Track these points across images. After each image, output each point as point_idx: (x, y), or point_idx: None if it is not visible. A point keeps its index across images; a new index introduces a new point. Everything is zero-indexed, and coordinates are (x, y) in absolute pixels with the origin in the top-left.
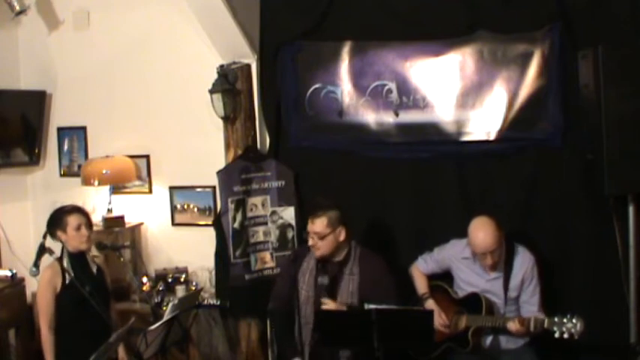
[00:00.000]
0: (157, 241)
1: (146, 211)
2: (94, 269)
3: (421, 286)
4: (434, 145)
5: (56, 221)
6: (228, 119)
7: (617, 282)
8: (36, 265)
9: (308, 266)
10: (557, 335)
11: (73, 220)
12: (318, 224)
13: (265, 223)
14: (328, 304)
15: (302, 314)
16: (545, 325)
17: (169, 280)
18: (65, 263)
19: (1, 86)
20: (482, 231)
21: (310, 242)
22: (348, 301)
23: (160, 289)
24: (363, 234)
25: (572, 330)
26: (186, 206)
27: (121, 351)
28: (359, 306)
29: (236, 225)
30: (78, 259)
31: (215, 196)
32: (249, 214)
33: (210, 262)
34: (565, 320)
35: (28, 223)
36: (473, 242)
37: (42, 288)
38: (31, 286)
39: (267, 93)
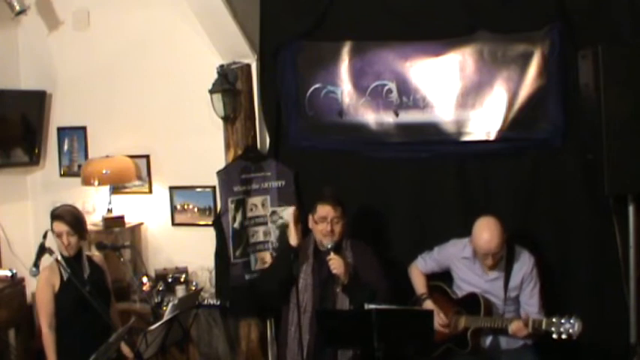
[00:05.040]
0: (157, 241)
1: (146, 211)
2: (86, 274)
3: (420, 286)
4: (434, 145)
5: (50, 221)
6: (228, 119)
7: (617, 282)
8: (36, 265)
9: (305, 257)
10: (555, 336)
11: (55, 227)
12: (339, 209)
13: (265, 223)
14: (334, 259)
15: (300, 302)
16: (544, 325)
17: (169, 280)
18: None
19: (1, 86)
20: (487, 232)
21: (327, 228)
22: (345, 282)
23: (160, 289)
24: (362, 233)
25: (571, 330)
26: (186, 206)
27: (124, 347)
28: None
29: (236, 225)
30: (70, 260)
31: (215, 196)
32: (249, 214)
33: (210, 262)
34: (563, 321)
35: (28, 223)
36: (476, 243)
37: (40, 287)
38: (31, 286)
39: (267, 93)
